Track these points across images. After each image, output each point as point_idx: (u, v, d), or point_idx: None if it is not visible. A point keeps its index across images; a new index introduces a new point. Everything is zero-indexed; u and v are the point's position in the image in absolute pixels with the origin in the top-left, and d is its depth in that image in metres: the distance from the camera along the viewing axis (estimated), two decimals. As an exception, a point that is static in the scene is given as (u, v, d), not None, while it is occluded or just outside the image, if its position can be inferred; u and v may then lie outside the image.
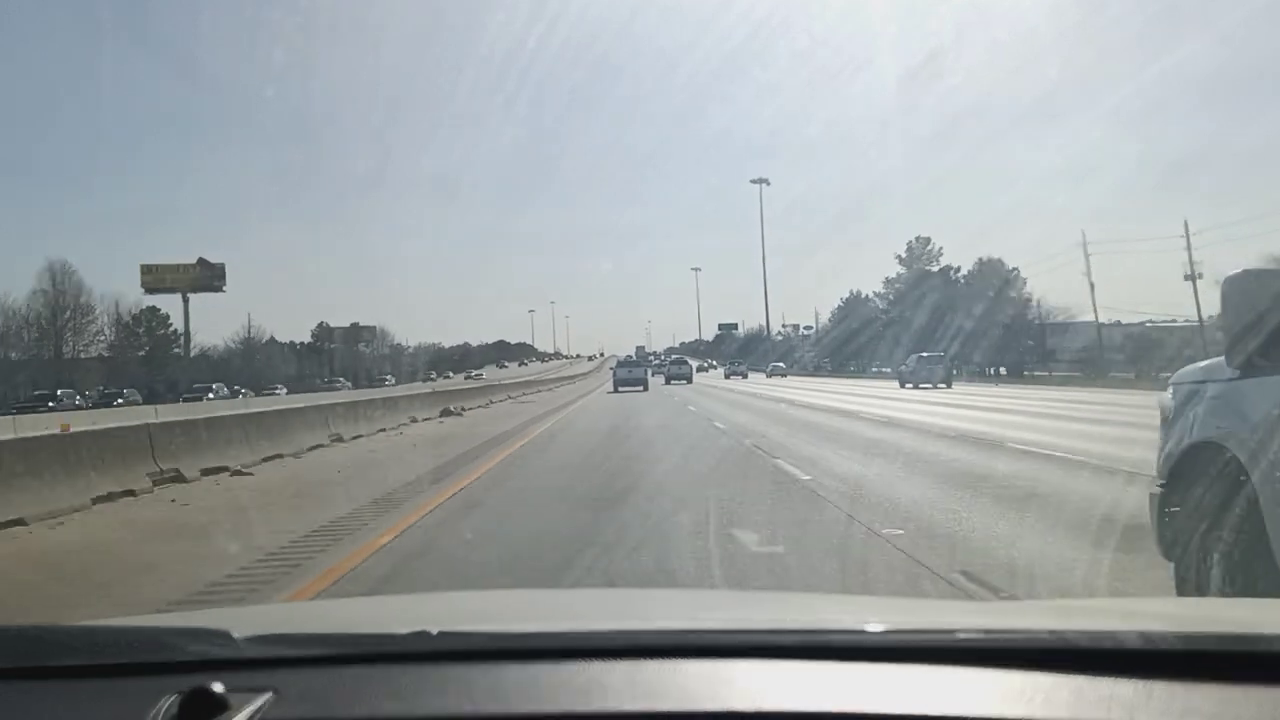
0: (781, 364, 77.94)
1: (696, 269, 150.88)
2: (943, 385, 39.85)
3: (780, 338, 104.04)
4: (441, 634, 1.34)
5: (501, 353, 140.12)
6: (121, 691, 1.22)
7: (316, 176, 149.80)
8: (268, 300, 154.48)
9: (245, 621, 1.50)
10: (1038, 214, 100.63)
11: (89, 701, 1.22)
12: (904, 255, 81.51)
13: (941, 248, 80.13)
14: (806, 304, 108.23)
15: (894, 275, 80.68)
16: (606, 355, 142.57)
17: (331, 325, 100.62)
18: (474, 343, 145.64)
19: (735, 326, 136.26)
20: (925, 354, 45.06)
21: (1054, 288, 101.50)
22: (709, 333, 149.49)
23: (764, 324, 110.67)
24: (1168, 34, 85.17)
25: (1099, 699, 1.15)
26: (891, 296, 78.13)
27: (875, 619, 1.44)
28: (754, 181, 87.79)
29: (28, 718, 1.21)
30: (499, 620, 1.72)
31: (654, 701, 1.16)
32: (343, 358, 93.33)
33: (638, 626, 1.53)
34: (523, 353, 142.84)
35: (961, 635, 1.32)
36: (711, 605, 2.32)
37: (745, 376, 68.95)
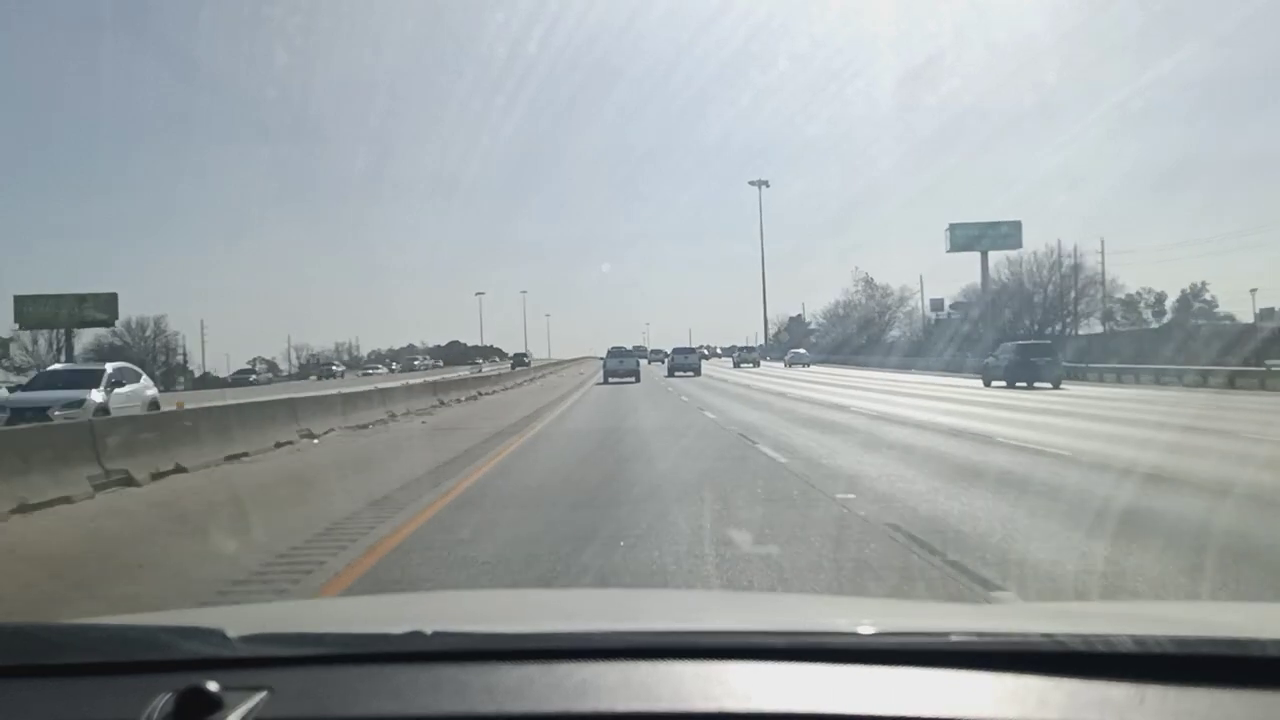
0: (803, 351, 71.01)
1: (762, 181, 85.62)
2: (1047, 385, 29.04)
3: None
4: (436, 634, 1.35)
5: (453, 354, 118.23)
6: (117, 689, 1.22)
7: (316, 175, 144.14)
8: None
9: (240, 621, 1.51)
10: (1035, 215, 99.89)
11: (85, 699, 1.22)
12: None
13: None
14: (797, 307, 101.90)
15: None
16: (558, 359, 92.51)
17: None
18: (419, 344, 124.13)
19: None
20: (1026, 342, 33.85)
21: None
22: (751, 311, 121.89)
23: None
24: (1167, 38, 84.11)
25: (1092, 702, 1.16)
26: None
27: (869, 621, 1.44)
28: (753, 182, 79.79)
29: (24, 716, 1.21)
30: (493, 621, 1.72)
31: (647, 702, 1.17)
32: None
33: (631, 628, 1.53)
34: (481, 355, 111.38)
35: (955, 638, 1.33)
36: (705, 606, 2.32)
37: (757, 365, 65.28)
